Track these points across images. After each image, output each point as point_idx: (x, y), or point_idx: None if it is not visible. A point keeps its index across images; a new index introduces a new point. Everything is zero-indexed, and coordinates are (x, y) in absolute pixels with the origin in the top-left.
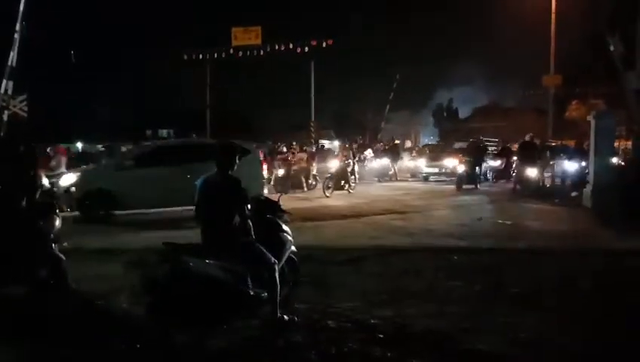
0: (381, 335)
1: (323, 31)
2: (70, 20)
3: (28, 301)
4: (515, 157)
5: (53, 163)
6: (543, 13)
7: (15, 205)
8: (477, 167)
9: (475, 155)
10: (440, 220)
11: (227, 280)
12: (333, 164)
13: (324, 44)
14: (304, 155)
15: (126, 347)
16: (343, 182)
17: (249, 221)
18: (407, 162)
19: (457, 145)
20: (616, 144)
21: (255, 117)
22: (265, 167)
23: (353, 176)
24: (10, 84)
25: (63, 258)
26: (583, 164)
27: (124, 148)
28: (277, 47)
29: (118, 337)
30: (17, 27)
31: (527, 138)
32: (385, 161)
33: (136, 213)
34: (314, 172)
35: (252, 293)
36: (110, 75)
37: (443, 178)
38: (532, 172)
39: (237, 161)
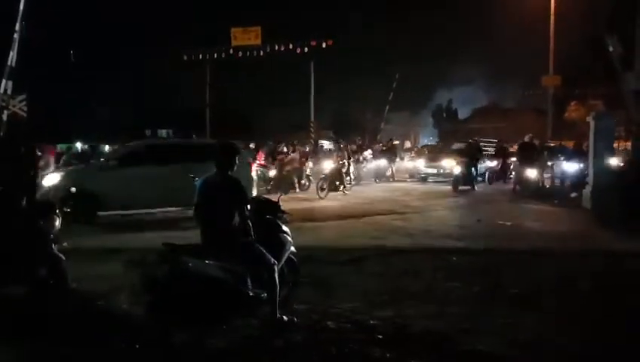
0: (380, 336)
1: (322, 30)
2: (69, 19)
3: (28, 300)
4: (512, 158)
5: (41, 163)
6: (543, 12)
7: (15, 205)
8: (473, 168)
9: (471, 156)
10: (439, 221)
11: (227, 281)
12: (327, 165)
13: (323, 45)
14: (297, 155)
15: (126, 346)
16: (337, 183)
17: (249, 221)
18: (406, 163)
19: (456, 145)
20: (615, 145)
21: (255, 116)
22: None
23: (348, 178)
24: (10, 83)
25: (63, 258)
26: (582, 165)
27: (107, 148)
28: (277, 47)
29: (118, 336)
30: (17, 27)
31: (526, 139)
32: (382, 162)
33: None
34: (307, 172)
35: (251, 294)
36: (110, 74)
37: (441, 179)
38: (531, 173)
39: (237, 162)
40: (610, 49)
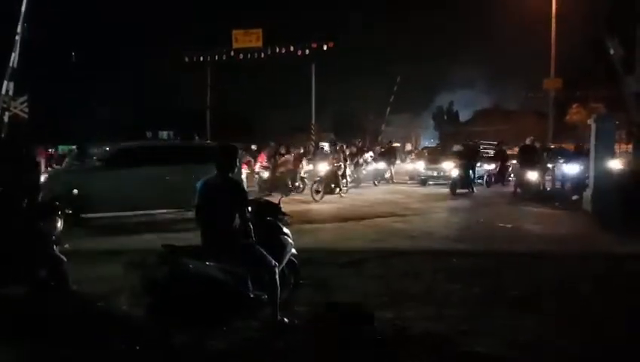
0: (380, 337)
1: (323, 31)
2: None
3: (28, 301)
4: (511, 161)
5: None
6: (544, 13)
7: (16, 205)
8: (471, 171)
9: (469, 159)
10: (440, 223)
11: (227, 282)
12: (322, 167)
13: (324, 47)
14: (291, 157)
15: (126, 347)
16: (333, 185)
17: (249, 223)
18: (405, 165)
19: (456, 147)
20: (616, 147)
21: (256, 118)
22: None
23: (345, 180)
24: (11, 85)
25: (64, 259)
26: (583, 167)
27: (94, 149)
28: (277, 49)
29: (118, 337)
30: (19, 29)
31: (527, 141)
32: (381, 164)
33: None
34: (301, 174)
35: (252, 295)
36: (110, 75)
37: (441, 181)
38: (532, 175)
39: (238, 163)
40: (611, 51)
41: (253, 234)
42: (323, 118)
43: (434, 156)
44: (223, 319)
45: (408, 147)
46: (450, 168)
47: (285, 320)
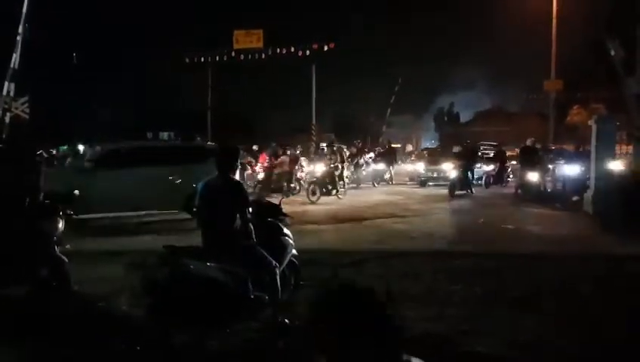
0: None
1: (324, 32)
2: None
3: (29, 301)
4: (511, 162)
5: None
6: (544, 14)
7: (17, 206)
8: (469, 172)
9: (468, 160)
10: (440, 224)
11: (228, 283)
12: (319, 168)
13: (325, 48)
14: (286, 159)
15: (126, 347)
16: (330, 187)
17: (250, 224)
18: (405, 166)
19: (455, 149)
20: (617, 149)
21: (256, 119)
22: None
23: (342, 181)
24: (12, 86)
25: (66, 260)
26: (583, 168)
27: (82, 149)
28: (278, 50)
29: (119, 338)
30: (20, 30)
31: (528, 143)
32: (381, 165)
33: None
34: (297, 176)
35: (253, 296)
36: (111, 76)
37: (441, 182)
38: (533, 176)
39: (238, 164)
40: (612, 53)
41: (253, 235)
42: (324, 118)
43: (434, 157)
44: (224, 320)
45: (409, 148)
46: (450, 169)
47: (286, 321)
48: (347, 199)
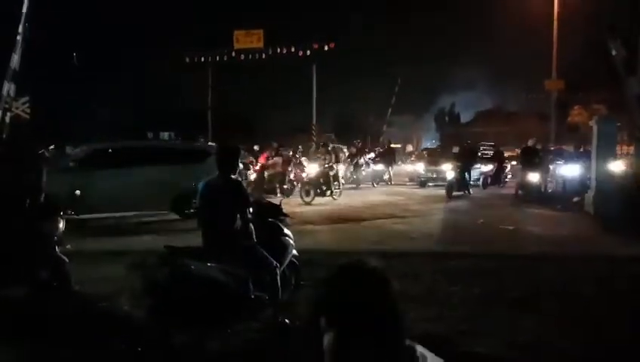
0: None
1: (324, 32)
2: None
3: (29, 301)
4: (511, 162)
5: None
6: (545, 14)
7: (18, 206)
8: (467, 173)
9: (465, 160)
10: (440, 225)
11: (228, 284)
12: (312, 169)
13: (325, 48)
14: (279, 160)
15: (126, 347)
16: (324, 187)
17: (251, 224)
18: (405, 166)
19: (455, 149)
20: (618, 149)
21: (257, 119)
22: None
23: (337, 182)
24: (13, 86)
25: (67, 260)
26: (583, 168)
27: (69, 150)
28: (279, 50)
29: (119, 338)
30: (20, 29)
31: (529, 143)
32: (380, 165)
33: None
34: (291, 176)
35: (253, 296)
36: (110, 76)
37: (440, 183)
38: (534, 177)
39: (239, 165)
40: (613, 53)
41: (254, 236)
42: (324, 118)
43: (433, 158)
44: (224, 320)
45: (409, 148)
46: (449, 170)
47: (286, 321)
48: (347, 199)
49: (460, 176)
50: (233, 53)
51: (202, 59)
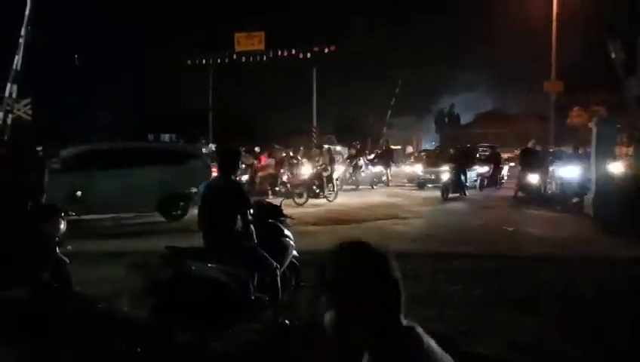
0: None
1: (325, 34)
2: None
3: (30, 302)
4: (510, 164)
5: None
6: (545, 17)
7: (20, 207)
8: (462, 175)
9: (461, 162)
10: (440, 226)
11: (229, 284)
12: (305, 170)
13: (326, 50)
14: (272, 161)
15: (127, 347)
16: (318, 190)
17: (251, 225)
18: (404, 168)
19: (452, 151)
20: (617, 151)
21: (257, 121)
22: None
23: (331, 184)
24: (15, 87)
25: (67, 261)
26: (583, 170)
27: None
28: (279, 52)
29: (120, 338)
30: (22, 32)
31: (529, 145)
32: (378, 167)
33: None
34: (283, 178)
35: (254, 297)
36: (112, 78)
37: (438, 184)
38: (534, 178)
39: (240, 166)
40: (613, 55)
41: (254, 237)
42: (324, 120)
43: (432, 159)
44: (225, 321)
45: (409, 150)
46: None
47: (286, 321)
48: (346, 201)
49: (456, 178)
50: (234, 56)
51: (203, 61)
